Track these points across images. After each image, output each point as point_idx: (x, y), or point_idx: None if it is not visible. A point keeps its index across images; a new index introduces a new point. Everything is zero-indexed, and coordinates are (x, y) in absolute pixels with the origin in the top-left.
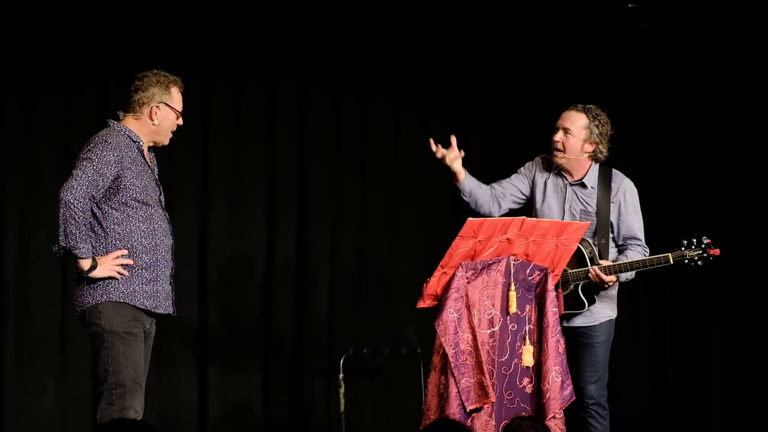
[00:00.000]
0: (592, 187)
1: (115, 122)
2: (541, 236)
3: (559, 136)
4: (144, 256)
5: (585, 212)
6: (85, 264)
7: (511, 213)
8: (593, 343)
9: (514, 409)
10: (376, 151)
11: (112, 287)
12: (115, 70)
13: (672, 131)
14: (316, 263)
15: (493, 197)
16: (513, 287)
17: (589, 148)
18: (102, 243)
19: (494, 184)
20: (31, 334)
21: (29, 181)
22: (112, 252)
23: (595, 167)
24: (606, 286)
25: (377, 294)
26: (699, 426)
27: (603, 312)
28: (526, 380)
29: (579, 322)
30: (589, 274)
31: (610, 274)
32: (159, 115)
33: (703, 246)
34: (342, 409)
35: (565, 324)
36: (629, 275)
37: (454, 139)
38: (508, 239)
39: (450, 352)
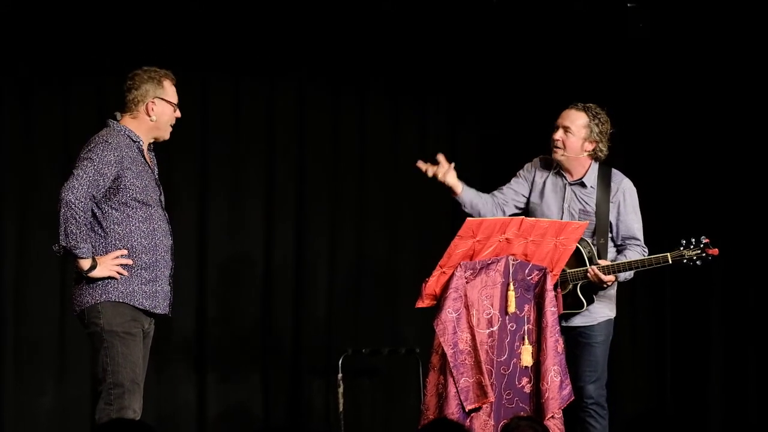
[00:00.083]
0: (591, 187)
1: (115, 122)
2: (540, 236)
3: (559, 134)
4: (143, 256)
5: (584, 212)
6: (85, 264)
7: (513, 214)
8: (592, 342)
9: (513, 408)
10: (375, 150)
11: (111, 287)
12: (115, 70)
13: (671, 131)
14: (315, 263)
15: (495, 205)
16: (512, 287)
17: (589, 146)
18: (102, 243)
19: (495, 192)
20: (30, 334)
21: (28, 180)
22: (111, 252)
23: (595, 167)
24: (605, 286)
25: (376, 294)
26: (697, 426)
27: (602, 312)
28: (524, 380)
29: (578, 321)
30: (588, 274)
31: (609, 273)
32: (156, 110)
33: (701, 246)
34: (341, 409)
35: (564, 324)
36: (628, 275)
37: (441, 157)
38: (506, 239)
39: (449, 351)
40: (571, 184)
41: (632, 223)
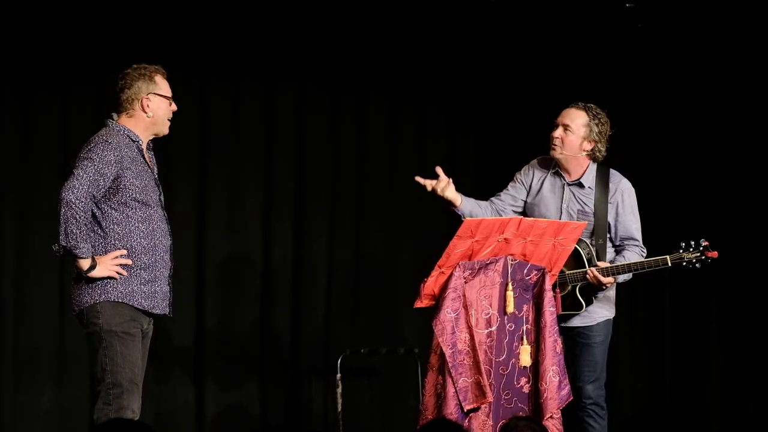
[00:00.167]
0: (589, 188)
1: (114, 122)
2: (539, 236)
3: (558, 132)
4: (143, 256)
5: (582, 212)
6: (85, 264)
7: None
8: (591, 343)
9: (512, 409)
10: (374, 150)
11: (110, 287)
12: (115, 70)
13: (670, 132)
14: (314, 263)
15: (494, 212)
16: (510, 287)
17: (588, 146)
18: (101, 243)
19: (493, 199)
20: (29, 334)
21: (28, 180)
22: (111, 252)
23: (593, 167)
24: (603, 287)
25: (375, 294)
26: (696, 426)
27: (601, 312)
28: (523, 380)
29: (576, 322)
30: (587, 276)
31: (608, 275)
32: (151, 106)
33: (701, 248)
34: (339, 409)
35: (563, 324)
36: (627, 276)
37: (439, 170)
38: (505, 239)
39: (447, 352)
40: (569, 185)
41: (630, 223)
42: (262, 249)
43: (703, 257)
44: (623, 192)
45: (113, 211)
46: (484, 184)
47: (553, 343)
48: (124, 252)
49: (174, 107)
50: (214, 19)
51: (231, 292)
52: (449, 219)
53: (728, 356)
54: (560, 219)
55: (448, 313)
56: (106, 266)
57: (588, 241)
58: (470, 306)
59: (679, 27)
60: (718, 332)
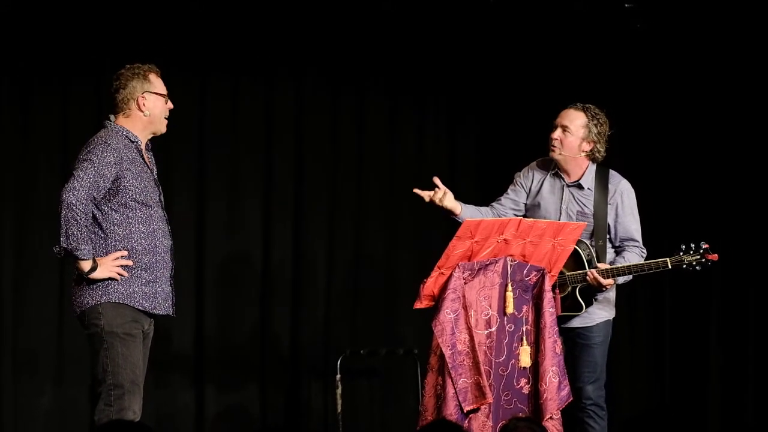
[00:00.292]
0: (588, 189)
1: (112, 123)
2: (538, 237)
3: (557, 133)
4: (143, 257)
5: (582, 213)
6: (86, 265)
7: None
8: (591, 344)
9: (512, 409)
10: (374, 150)
11: (111, 288)
12: (114, 70)
13: (670, 132)
14: (314, 263)
15: (496, 217)
16: (510, 288)
17: (587, 147)
18: (102, 244)
19: (493, 204)
20: (28, 336)
21: (27, 181)
22: (112, 253)
23: (592, 168)
24: (603, 289)
25: (374, 294)
26: (696, 427)
27: (600, 313)
28: (523, 381)
29: (576, 323)
30: (587, 278)
31: (608, 277)
32: (147, 104)
33: (701, 251)
34: (339, 410)
35: (563, 325)
36: (627, 277)
37: (437, 180)
38: (505, 240)
39: (447, 352)
40: (568, 186)
41: (630, 224)
42: (261, 249)
43: (704, 260)
44: (623, 193)
45: (113, 213)
46: (484, 185)
47: (552, 343)
48: (125, 253)
49: (170, 105)
50: (213, 19)
51: (230, 292)
52: (449, 220)
53: (728, 357)
54: (559, 220)
55: (447, 313)
56: (107, 267)
57: (588, 243)
58: (470, 307)
59: (678, 27)
60: (718, 333)
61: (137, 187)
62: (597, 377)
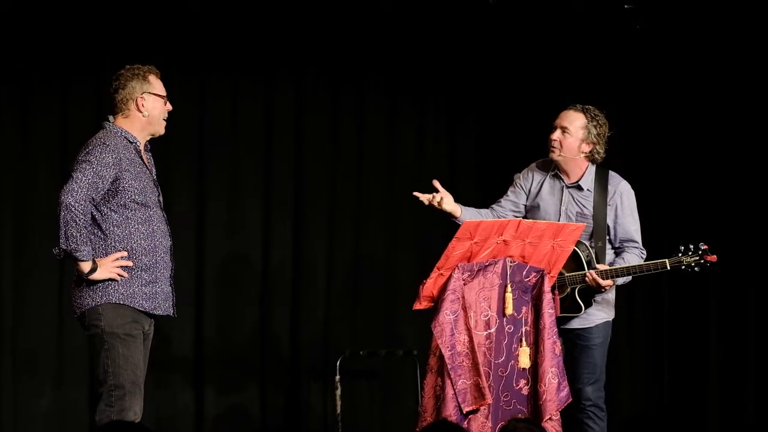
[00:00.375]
0: (588, 190)
1: (111, 124)
2: (538, 238)
3: (556, 135)
4: (143, 257)
5: (581, 215)
6: (86, 266)
7: None
8: (590, 345)
9: (511, 410)
10: (374, 151)
11: (111, 289)
12: (114, 70)
13: (670, 133)
14: (313, 263)
15: (496, 219)
16: (509, 289)
17: (587, 148)
18: (101, 245)
19: (494, 206)
20: (28, 337)
21: (27, 181)
22: (111, 254)
23: (592, 169)
24: (603, 290)
25: (374, 295)
26: (696, 427)
27: (600, 314)
28: (522, 382)
29: (575, 324)
30: (586, 279)
31: (607, 278)
32: (146, 105)
33: (700, 252)
34: (338, 411)
35: (562, 326)
36: (626, 278)
37: (437, 183)
38: (504, 241)
39: (446, 353)
40: (568, 187)
41: (630, 225)
42: (261, 249)
43: (702, 261)
44: (622, 194)
45: (113, 213)
46: (484, 185)
47: (552, 344)
48: (125, 254)
49: (169, 106)
50: (213, 19)
51: (230, 292)
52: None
53: (727, 358)
54: (559, 221)
55: (447, 314)
56: (107, 268)
57: (587, 244)
58: (469, 308)
59: (678, 28)
60: (717, 333)
61: (136, 188)
62: (596, 378)
